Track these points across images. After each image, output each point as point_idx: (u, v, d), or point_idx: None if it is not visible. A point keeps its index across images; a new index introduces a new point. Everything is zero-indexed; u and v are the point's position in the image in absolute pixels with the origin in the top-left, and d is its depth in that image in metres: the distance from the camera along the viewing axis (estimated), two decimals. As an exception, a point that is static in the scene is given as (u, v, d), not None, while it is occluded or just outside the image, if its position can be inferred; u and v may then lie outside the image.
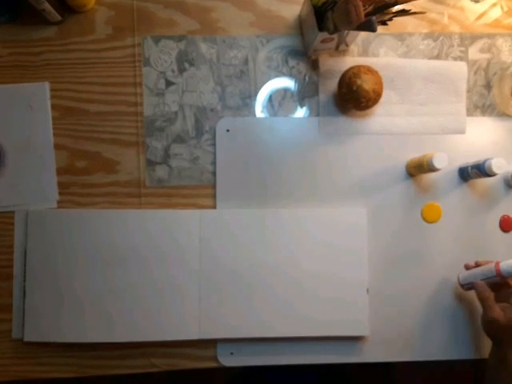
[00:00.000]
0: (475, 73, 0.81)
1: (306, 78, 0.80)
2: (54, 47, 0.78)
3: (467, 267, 0.74)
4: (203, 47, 0.79)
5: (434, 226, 0.79)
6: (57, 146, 0.77)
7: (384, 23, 0.70)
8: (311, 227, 0.76)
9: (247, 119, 0.79)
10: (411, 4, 0.67)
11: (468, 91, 0.81)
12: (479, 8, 0.82)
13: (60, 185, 0.77)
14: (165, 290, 0.74)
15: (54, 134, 0.77)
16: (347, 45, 0.78)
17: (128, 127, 0.78)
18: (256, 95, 0.79)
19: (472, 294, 0.74)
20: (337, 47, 0.78)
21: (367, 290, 0.75)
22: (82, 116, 0.78)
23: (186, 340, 0.74)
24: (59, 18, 0.77)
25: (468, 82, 0.81)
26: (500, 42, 0.81)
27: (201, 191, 0.78)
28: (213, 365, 0.76)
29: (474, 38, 0.81)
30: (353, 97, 0.73)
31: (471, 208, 0.79)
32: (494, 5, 0.82)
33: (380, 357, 0.76)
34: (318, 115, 0.79)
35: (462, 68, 0.80)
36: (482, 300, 0.69)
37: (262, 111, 0.79)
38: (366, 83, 0.72)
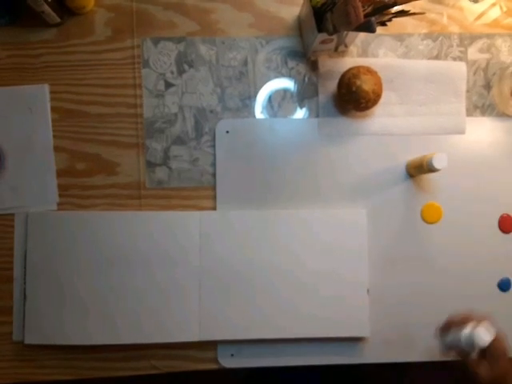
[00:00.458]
0: (474, 73, 0.81)
1: (306, 78, 0.80)
2: (53, 49, 0.78)
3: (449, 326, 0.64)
4: (202, 49, 0.79)
5: (434, 226, 0.79)
6: (57, 148, 0.77)
7: (383, 24, 0.70)
8: (311, 228, 0.76)
9: (247, 120, 0.79)
10: (410, 4, 0.67)
11: (467, 91, 0.81)
12: (478, 8, 0.82)
13: (60, 187, 0.77)
14: (165, 291, 0.74)
15: (54, 136, 0.77)
16: (346, 46, 0.78)
17: (128, 129, 0.78)
18: (255, 96, 0.79)
19: (473, 292, 0.74)
20: (336, 48, 0.78)
21: (368, 291, 0.75)
22: (82, 118, 0.78)
23: (187, 342, 0.74)
24: (58, 20, 0.77)
25: (467, 82, 0.80)
26: (499, 42, 0.81)
27: (201, 193, 0.78)
28: (213, 366, 0.76)
29: (474, 38, 0.81)
30: (352, 97, 0.73)
31: (471, 208, 0.79)
32: (493, 5, 0.82)
33: (381, 357, 0.76)
34: (317, 116, 0.79)
35: (461, 68, 0.80)
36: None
37: (261, 112, 0.79)
38: (366, 84, 0.72)
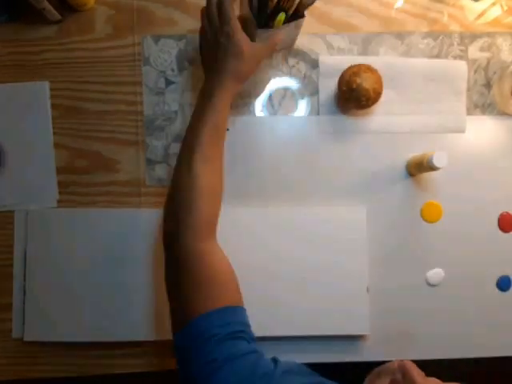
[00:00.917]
0: (475, 72, 0.81)
1: (306, 77, 0.80)
2: (53, 46, 0.78)
3: None
4: (203, 46, 0.79)
5: (434, 224, 0.79)
6: (57, 146, 0.77)
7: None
8: (311, 226, 0.76)
9: (247, 118, 0.79)
10: (412, 2, 0.67)
11: (468, 90, 0.80)
12: (479, 7, 0.82)
13: (60, 184, 0.77)
14: (164, 288, 0.74)
15: (54, 134, 0.77)
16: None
17: (128, 126, 0.78)
18: (256, 95, 0.79)
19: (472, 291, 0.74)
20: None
21: (367, 289, 0.75)
22: (82, 115, 0.78)
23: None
24: (59, 17, 0.77)
25: (468, 81, 0.80)
26: (500, 40, 0.81)
27: (201, 190, 0.78)
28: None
29: (474, 36, 0.81)
30: (353, 96, 0.73)
31: (471, 206, 0.79)
32: (494, 4, 0.81)
33: (380, 355, 0.76)
34: (318, 114, 0.79)
35: (461, 67, 0.80)
36: None
37: (261, 110, 0.79)
38: (366, 82, 0.72)
